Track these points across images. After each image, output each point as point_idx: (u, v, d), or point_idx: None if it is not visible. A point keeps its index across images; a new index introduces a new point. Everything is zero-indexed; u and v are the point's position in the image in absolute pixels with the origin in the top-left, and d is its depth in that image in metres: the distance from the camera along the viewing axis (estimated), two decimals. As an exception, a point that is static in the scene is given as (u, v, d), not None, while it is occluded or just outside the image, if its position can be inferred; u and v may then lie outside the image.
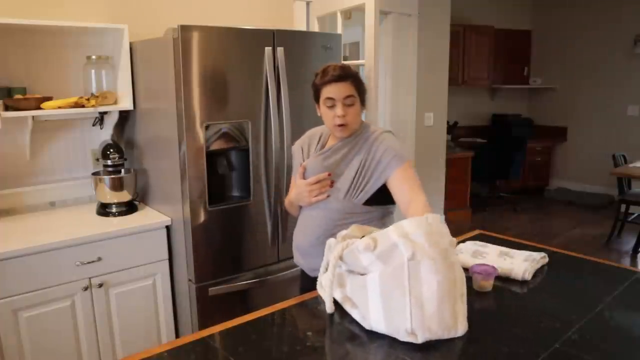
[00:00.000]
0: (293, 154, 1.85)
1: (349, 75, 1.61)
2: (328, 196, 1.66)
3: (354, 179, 1.64)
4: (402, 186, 1.59)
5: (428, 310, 1.20)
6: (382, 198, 1.64)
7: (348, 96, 1.61)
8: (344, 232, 1.41)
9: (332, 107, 1.62)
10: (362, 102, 1.68)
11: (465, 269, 1.53)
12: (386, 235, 1.29)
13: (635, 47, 5.80)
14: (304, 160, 1.76)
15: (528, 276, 1.58)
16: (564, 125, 6.57)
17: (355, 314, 1.33)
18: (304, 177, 1.71)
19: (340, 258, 1.35)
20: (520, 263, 1.63)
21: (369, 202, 1.65)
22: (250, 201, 2.34)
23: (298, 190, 1.71)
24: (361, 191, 1.64)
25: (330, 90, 1.60)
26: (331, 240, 1.40)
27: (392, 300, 1.23)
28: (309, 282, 1.72)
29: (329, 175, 1.66)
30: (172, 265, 2.38)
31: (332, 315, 1.37)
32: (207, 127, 2.16)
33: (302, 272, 1.84)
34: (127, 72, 2.43)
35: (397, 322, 1.22)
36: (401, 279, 1.22)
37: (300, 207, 1.79)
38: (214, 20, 2.88)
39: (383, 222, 1.68)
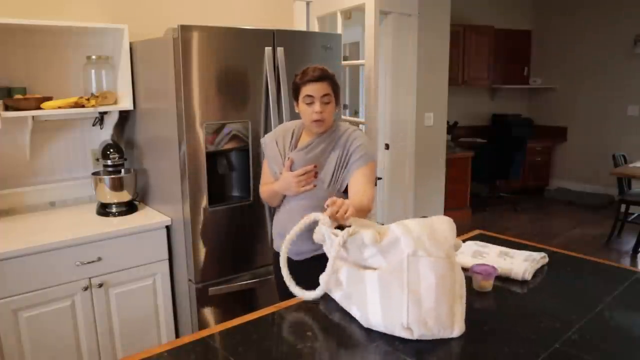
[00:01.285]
0: (265, 145, 1.99)
1: (327, 77, 1.80)
2: (314, 186, 1.82)
3: (334, 170, 1.84)
4: (359, 180, 1.81)
5: (425, 306, 1.21)
6: None
7: (325, 94, 1.78)
8: (317, 215, 1.46)
9: (310, 104, 1.79)
10: (337, 102, 1.85)
11: (465, 269, 1.53)
12: (389, 231, 1.29)
13: (635, 47, 5.80)
14: (280, 154, 1.91)
15: (528, 276, 1.58)
16: (564, 125, 6.57)
17: (354, 311, 1.33)
18: (290, 170, 1.84)
19: (344, 245, 1.35)
20: (520, 263, 1.63)
21: (345, 189, 1.87)
22: (250, 201, 2.34)
23: (286, 181, 1.83)
24: (342, 181, 1.85)
25: (309, 89, 1.78)
26: (318, 223, 1.44)
27: (390, 295, 1.24)
28: (290, 267, 1.76)
29: (315, 167, 1.82)
30: (172, 265, 2.38)
31: (332, 314, 1.37)
32: (207, 127, 2.16)
33: (278, 257, 1.87)
34: (127, 72, 2.43)
35: (394, 316, 1.22)
36: (400, 273, 1.23)
37: (284, 197, 1.92)
38: (214, 20, 2.88)
39: None
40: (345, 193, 1.86)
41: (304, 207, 1.82)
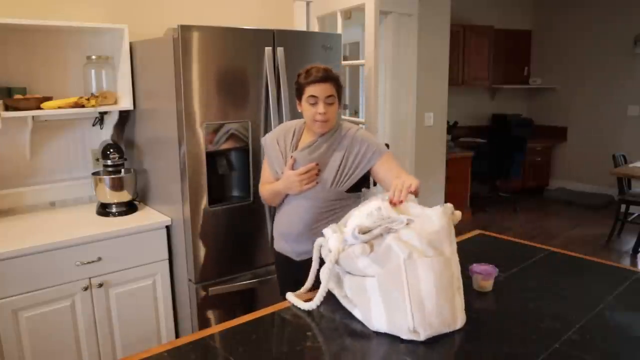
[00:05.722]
0: (266, 145, 1.97)
1: (331, 78, 1.79)
2: (317, 183, 1.82)
3: (337, 170, 1.83)
4: (390, 168, 1.83)
5: (428, 307, 1.22)
6: (359, 185, 1.89)
7: (329, 96, 1.78)
8: (334, 225, 1.44)
9: (314, 104, 1.78)
10: (339, 103, 1.85)
11: (465, 270, 1.54)
12: (381, 239, 1.30)
13: (635, 47, 5.79)
14: (281, 153, 1.90)
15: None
16: (564, 125, 6.57)
17: (356, 313, 1.34)
18: (292, 169, 1.84)
19: (336, 262, 1.36)
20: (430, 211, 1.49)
21: (349, 189, 1.87)
22: (250, 201, 2.34)
23: (288, 180, 1.83)
24: (347, 180, 1.84)
25: (313, 89, 1.76)
26: (327, 231, 1.43)
27: (392, 300, 1.24)
28: (292, 267, 1.92)
29: (317, 165, 1.81)
30: (172, 265, 2.38)
31: (332, 314, 1.37)
32: (207, 127, 2.16)
33: (280, 257, 1.99)
34: (127, 72, 2.43)
35: (399, 321, 1.23)
36: (400, 278, 1.23)
37: (285, 197, 1.92)
38: (214, 20, 2.88)
39: (356, 205, 1.80)
40: (348, 192, 1.86)
41: (306, 207, 1.85)
